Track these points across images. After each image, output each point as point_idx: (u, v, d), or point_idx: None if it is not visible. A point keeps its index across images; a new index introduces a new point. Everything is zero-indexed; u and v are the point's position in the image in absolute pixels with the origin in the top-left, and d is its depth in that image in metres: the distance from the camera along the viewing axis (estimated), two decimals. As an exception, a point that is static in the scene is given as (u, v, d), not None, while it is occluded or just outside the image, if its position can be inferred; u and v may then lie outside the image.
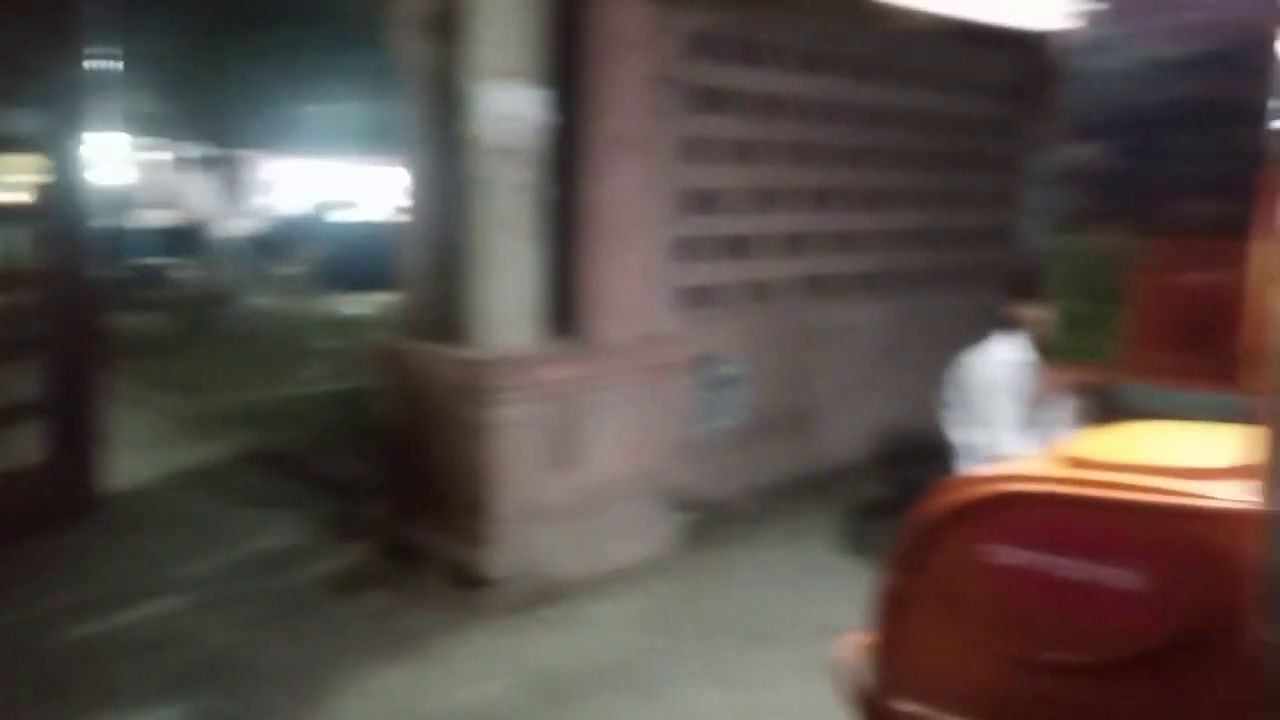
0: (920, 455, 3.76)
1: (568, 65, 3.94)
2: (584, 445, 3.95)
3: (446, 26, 3.79)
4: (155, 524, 4.50)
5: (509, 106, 3.70)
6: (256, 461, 5.58)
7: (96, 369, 4.68)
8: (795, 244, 5.19)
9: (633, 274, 4.20)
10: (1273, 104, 1.09)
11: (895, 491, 4.77)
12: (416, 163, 4.11)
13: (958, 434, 3.54)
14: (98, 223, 4.87)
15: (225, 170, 14.12)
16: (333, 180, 18.79)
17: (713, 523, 4.51)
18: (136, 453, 5.18)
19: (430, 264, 4.06)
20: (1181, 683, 1.41)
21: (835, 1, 4.67)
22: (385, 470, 4.38)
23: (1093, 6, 1.22)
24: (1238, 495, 1.33)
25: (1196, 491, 1.42)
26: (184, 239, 13.66)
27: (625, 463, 4.14)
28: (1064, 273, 1.40)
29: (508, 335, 3.79)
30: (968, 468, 3.02)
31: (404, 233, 4.27)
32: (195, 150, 15.19)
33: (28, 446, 4.35)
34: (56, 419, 4.48)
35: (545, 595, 3.74)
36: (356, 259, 13.80)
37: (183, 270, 11.66)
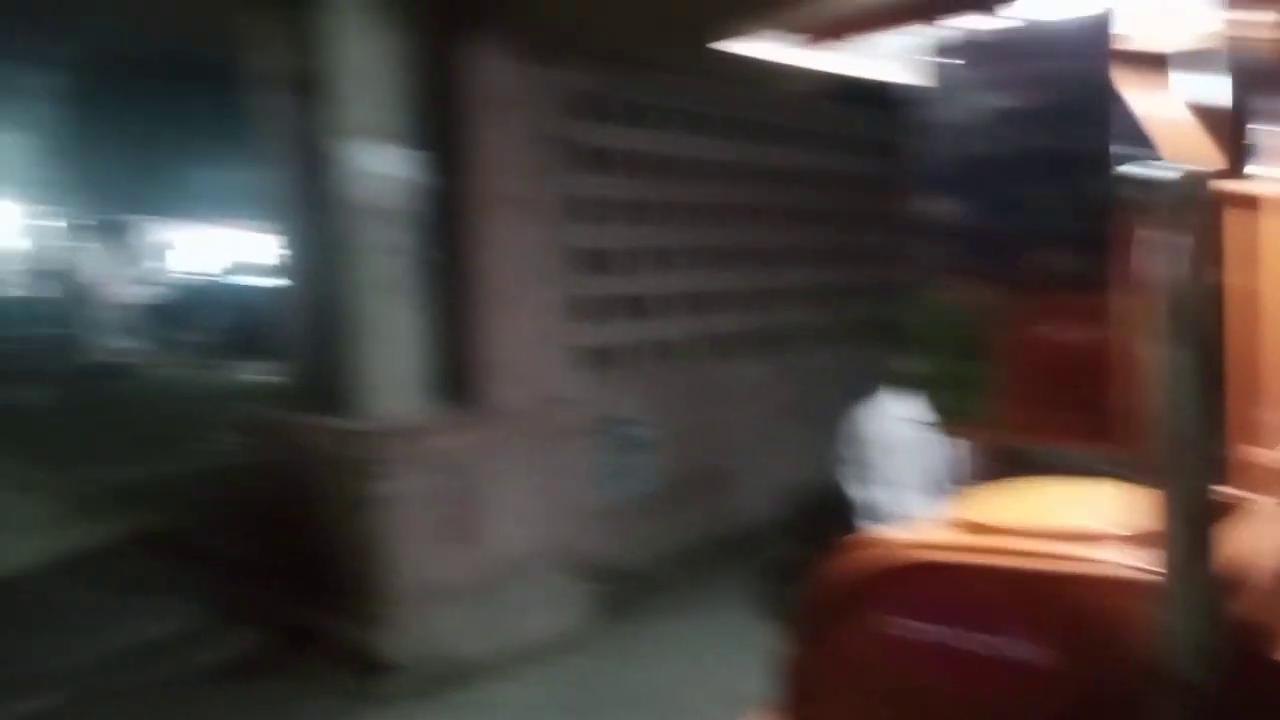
0: (826, 513, 3.71)
1: (444, 125, 3.87)
2: (483, 517, 3.80)
3: (312, 86, 3.68)
4: (29, 615, 4.19)
5: (378, 166, 3.61)
6: (143, 542, 5.27)
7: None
8: (693, 303, 5.18)
9: (525, 335, 4.10)
10: (1116, 152, 1.08)
11: (804, 552, 4.69)
12: (290, 226, 3.98)
13: (856, 491, 3.50)
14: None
15: (118, 236, 13.66)
16: (230, 245, 18.35)
17: (624, 592, 4.37)
18: (14, 536, 4.84)
19: (310, 331, 3.90)
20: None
21: (715, 64, 4.71)
22: (273, 551, 4.16)
23: (944, 60, 1.20)
24: (1132, 560, 1.28)
25: (1091, 557, 1.37)
26: (75, 307, 13.14)
27: (529, 534, 3.99)
28: (927, 329, 1.36)
29: (392, 403, 3.64)
30: (868, 526, 2.96)
31: (282, 298, 4.11)
32: (86, 216, 14.68)
33: None
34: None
35: (448, 678, 3.55)
36: (256, 326, 13.45)
37: (72, 340, 11.15)
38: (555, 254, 4.39)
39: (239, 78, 4.02)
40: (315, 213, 3.72)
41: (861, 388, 3.60)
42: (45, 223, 15.38)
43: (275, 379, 11.11)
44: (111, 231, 14.27)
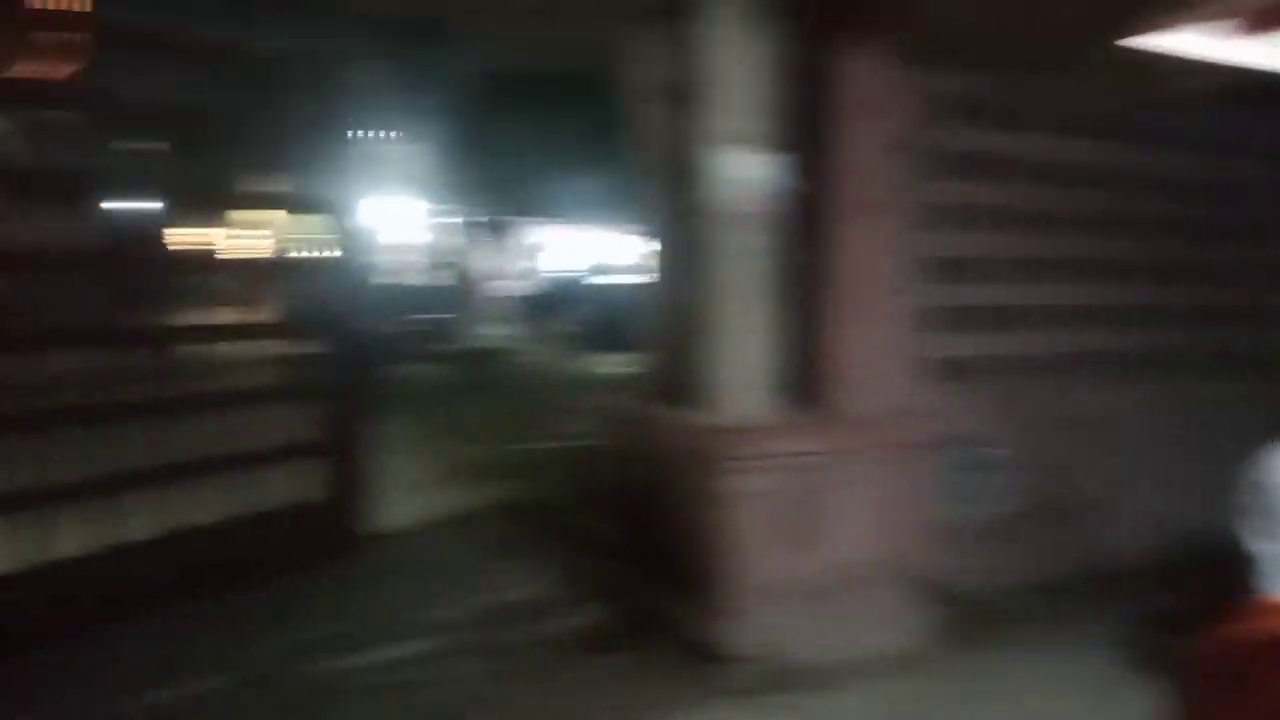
0: (1213, 563, 3.28)
1: (807, 129, 3.87)
2: (824, 523, 3.78)
3: (681, 94, 3.83)
4: (414, 566, 4.74)
5: (743, 172, 3.67)
6: (509, 511, 5.78)
7: (368, 416, 5.02)
8: (1060, 318, 4.79)
9: (877, 344, 4.02)
10: None
11: (1185, 603, 4.20)
12: (656, 229, 4.17)
13: (1259, 544, 3.06)
14: (386, 280, 5.28)
15: (500, 234, 15.06)
16: (598, 245, 19.66)
17: (966, 619, 4.15)
18: (403, 495, 5.48)
19: (669, 328, 4.07)
20: None
21: (1096, 63, 4.32)
22: (629, 531, 4.40)
23: None
24: None
25: None
26: (463, 297, 14.65)
27: (869, 544, 3.91)
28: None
29: (742, 402, 3.71)
30: (1271, 585, 2.59)
31: (646, 296, 4.32)
32: (477, 215, 16.37)
33: (302, 485, 4.72)
34: (331, 460, 4.84)
35: (783, 680, 3.56)
36: (616, 321, 14.33)
37: (458, 326, 12.49)
38: (913, 261, 4.25)
39: (612, 91, 4.31)
40: (681, 216, 3.88)
41: (1260, 426, 3.15)
42: (441, 221, 17.36)
43: (630, 370, 11.79)
44: (495, 230, 15.74)
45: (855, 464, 3.85)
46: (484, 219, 16.32)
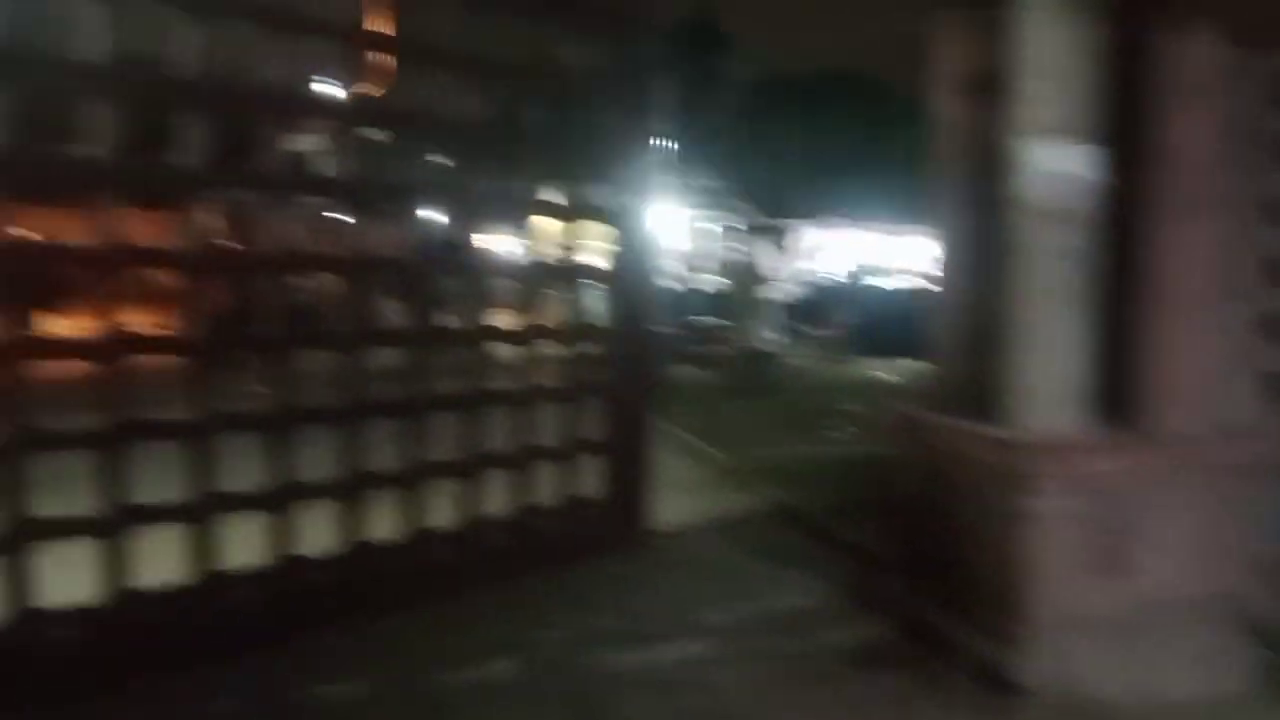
0: None
1: (1129, 118, 3.53)
2: (1136, 551, 3.44)
3: (989, 85, 3.60)
4: (687, 566, 4.78)
5: (1058, 166, 3.41)
6: (780, 516, 5.73)
7: (649, 416, 5.12)
8: None
9: (1205, 355, 3.61)
10: None
11: None
12: (950, 229, 3.95)
13: None
14: (658, 285, 5.36)
15: (771, 238, 15.02)
16: (868, 247, 19.22)
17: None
18: (675, 495, 5.56)
19: (962, 334, 3.85)
20: None
21: None
22: (902, 544, 4.24)
23: None
24: None
25: None
26: (730, 301, 14.76)
27: (1187, 577, 3.53)
28: None
29: (1047, 417, 3.44)
30: None
31: (936, 300, 4.11)
32: (743, 220, 16.45)
33: (587, 481, 4.89)
34: (612, 458, 4.99)
35: (1082, 717, 3.29)
36: (887, 325, 13.96)
37: (728, 330, 12.57)
38: (1250, 264, 3.80)
39: (885, 92, 4.18)
40: (982, 214, 3.66)
41: None
42: (717, 225, 17.58)
43: (903, 376, 11.44)
44: (770, 233, 15.74)
45: (1175, 488, 3.49)
46: (758, 222, 16.39)
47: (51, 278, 14.21)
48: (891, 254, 19.40)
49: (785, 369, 11.98)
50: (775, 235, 15.83)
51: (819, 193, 20.10)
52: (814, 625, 4.14)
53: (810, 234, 18.42)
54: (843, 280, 17.09)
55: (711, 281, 16.13)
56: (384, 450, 4.06)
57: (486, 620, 3.98)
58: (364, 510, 3.96)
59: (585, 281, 4.90)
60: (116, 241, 3.28)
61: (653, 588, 4.46)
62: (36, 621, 3.16)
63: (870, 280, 17.16)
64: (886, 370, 12.63)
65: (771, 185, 18.93)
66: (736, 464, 6.93)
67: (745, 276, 12.51)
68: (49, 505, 3.24)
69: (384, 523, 4.07)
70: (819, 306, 15.36)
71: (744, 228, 17.06)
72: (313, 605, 3.80)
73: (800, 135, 23.97)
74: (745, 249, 16.29)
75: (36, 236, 3.13)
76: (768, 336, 12.34)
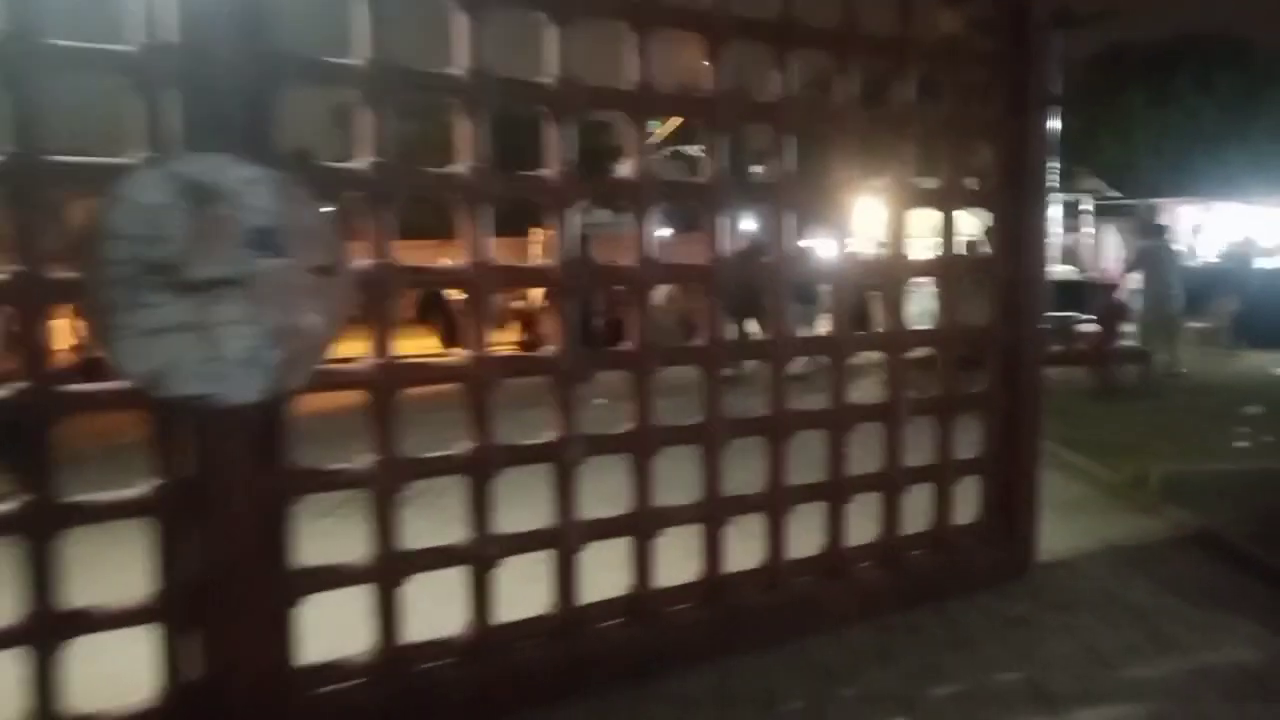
0: None
1: None
2: None
3: None
4: (1089, 605, 4.07)
5: None
6: (1194, 544, 4.82)
7: (1035, 430, 4.45)
8: None
9: None
10: None
11: None
12: None
13: None
14: (1048, 280, 4.66)
15: (1141, 219, 13.37)
16: (1254, 225, 16.67)
17: None
18: (1058, 518, 4.82)
19: None
20: None
21: None
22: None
23: None
24: None
25: None
26: (1088, 292, 13.34)
27: None
28: None
29: None
30: None
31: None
32: (1110, 200, 14.79)
33: (963, 504, 4.31)
34: (993, 478, 4.37)
35: None
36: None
37: (1088, 325, 11.28)
38: None
39: (1250, 53, 3.25)
40: None
41: None
42: (1074, 209, 15.98)
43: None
44: (1133, 215, 14.07)
45: None
46: (1119, 203, 14.68)
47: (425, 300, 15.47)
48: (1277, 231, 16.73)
49: (1161, 367, 10.53)
50: (1145, 216, 14.04)
51: (1179, 169, 17.83)
52: (1274, 689, 3.32)
53: (1186, 212, 16.22)
54: (1231, 261, 14.87)
55: (1064, 271, 14.62)
56: (739, 471, 3.73)
57: (863, 666, 3.53)
58: (722, 537, 3.66)
59: (955, 279, 4.31)
60: (488, 260, 3.17)
61: (1053, 632, 3.80)
62: (409, 655, 3.12)
63: (1256, 261, 14.83)
64: (1282, 364, 10.82)
65: (1127, 160, 16.99)
66: (1126, 480, 5.99)
67: (1113, 263, 11.16)
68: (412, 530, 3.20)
69: (740, 551, 3.74)
70: (1195, 293, 13.48)
71: (1109, 210, 15.31)
72: (669, 641, 3.54)
73: (1154, 106, 21.58)
74: (1111, 233, 14.64)
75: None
76: (1144, 329, 10.94)
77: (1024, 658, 3.58)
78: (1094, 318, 11.53)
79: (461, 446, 3.16)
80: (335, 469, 3.06)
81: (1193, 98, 21.96)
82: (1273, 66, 23.21)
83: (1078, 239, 16.43)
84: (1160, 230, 12.04)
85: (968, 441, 4.32)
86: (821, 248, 13.84)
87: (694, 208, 3.75)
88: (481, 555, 3.19)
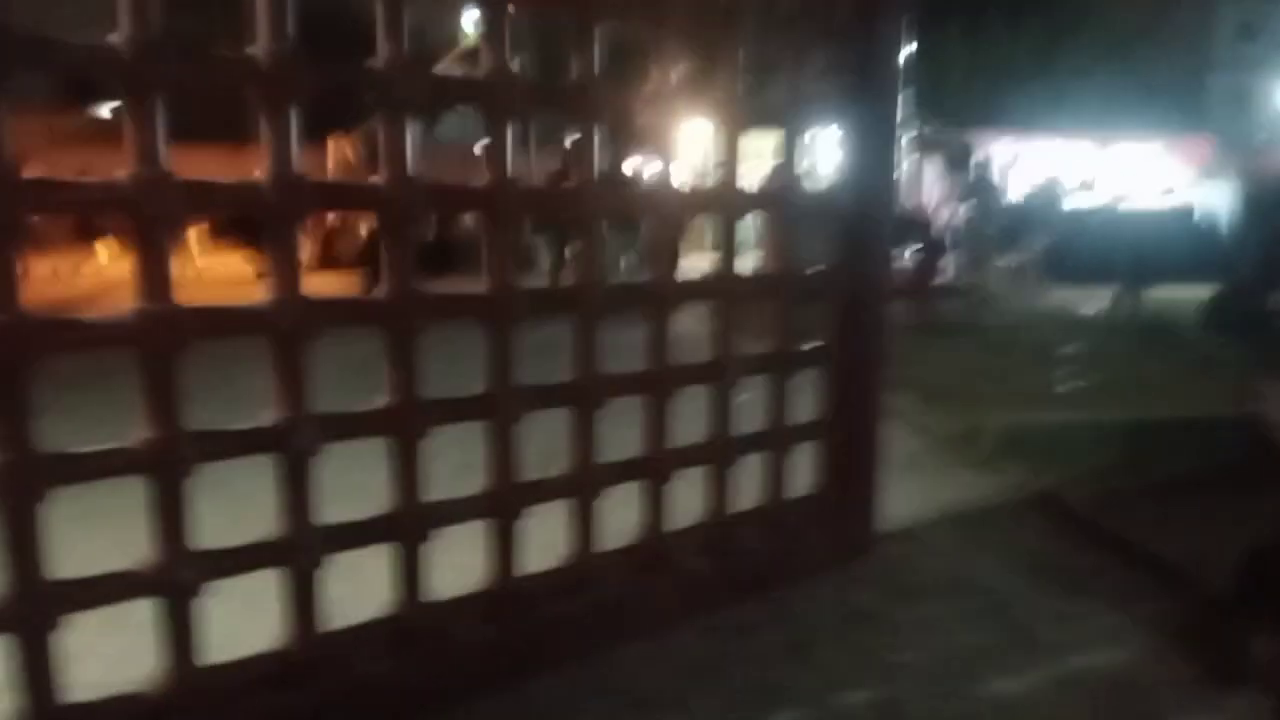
0: None
1: None
2: None
3: None
4: (938, 592, 3.56)
5: None
6: (1037, 511, 4.43)
7: (877, 386, 3.90)
8: None
9: None
10: None
11: None
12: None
13: None
14: (893, 216, 4.05)
15: (958, 151, 13.26)
16: (1070, 161, 17.05)
17: None
18: (892, 479, 4.26)
19: None
20: None
21: None
22: (1257, 570, 2.97)
23: None
24: None
25: None
26: (906, 227, 13.20)
27: None
28: None
29: None
30: None
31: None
32: (924, 131, 14.65)
33: (792, 476, 3.71)
34: (831, 442, 3.80)
35: None
36: (1094, 250, 12.30)
37: (907, 262, 11.07)
38: None
39: None
40: None
41: None
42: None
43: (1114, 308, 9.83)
44: (949, 147, 13.96)
45: None
46: (934, 135, 14.58)
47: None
48: (1103, 168, 17.20)
49: (988, 305, 10.45)
50: (961, 149, 13.98)
51: (1008, 96, 18.02)
52: (1154, 700, 2.87)
53: (1002, 145, 16.38)
54: (1035, 199, 15.10)
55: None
56: (535, 444, 2.97)
57: (686, 686, 2.88)
58: (514, 533, 2.91)
59: (790, 213, 3.64)
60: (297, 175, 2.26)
61: (900, 630, 3.27)
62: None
63: (1072, 199, 15.16)
64: (1090, 302, 10.96)
65: (954, 90, 16.99)
66: (959, 430, 5.61)
67: (930, 198, 10.97)
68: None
69: (537, 544, 3.01)
70: (1008, 231, 13.59)
71: (923, 141, 15.21)
72: (446, 669, 2.79)
73: (982, 30, 21.73)
74: (927, 166, 14.54)
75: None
76: (962, 267, 10.84)
77: (871, 668, 3.01)
78: (915, 250, 11.34)
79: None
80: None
81: (1004, 34, 22.39)
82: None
83: (913, 172, 16.39)
84: (981, 165, 11.95)
85: (803, 399, 3.72)
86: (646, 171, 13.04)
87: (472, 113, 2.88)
88: (177, 580, 2.32)
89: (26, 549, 2.09)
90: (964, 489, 4.71)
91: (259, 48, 2.27)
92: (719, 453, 3.41)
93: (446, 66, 13.11)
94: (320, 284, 3.64)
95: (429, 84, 2.68)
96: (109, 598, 2.26)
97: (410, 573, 2.70)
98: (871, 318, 3.77)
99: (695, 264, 4.20)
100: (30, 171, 2.03)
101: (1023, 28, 23.24)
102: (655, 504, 3.25)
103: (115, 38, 2.09)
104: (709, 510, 3.42)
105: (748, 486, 3.56)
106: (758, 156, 3.69)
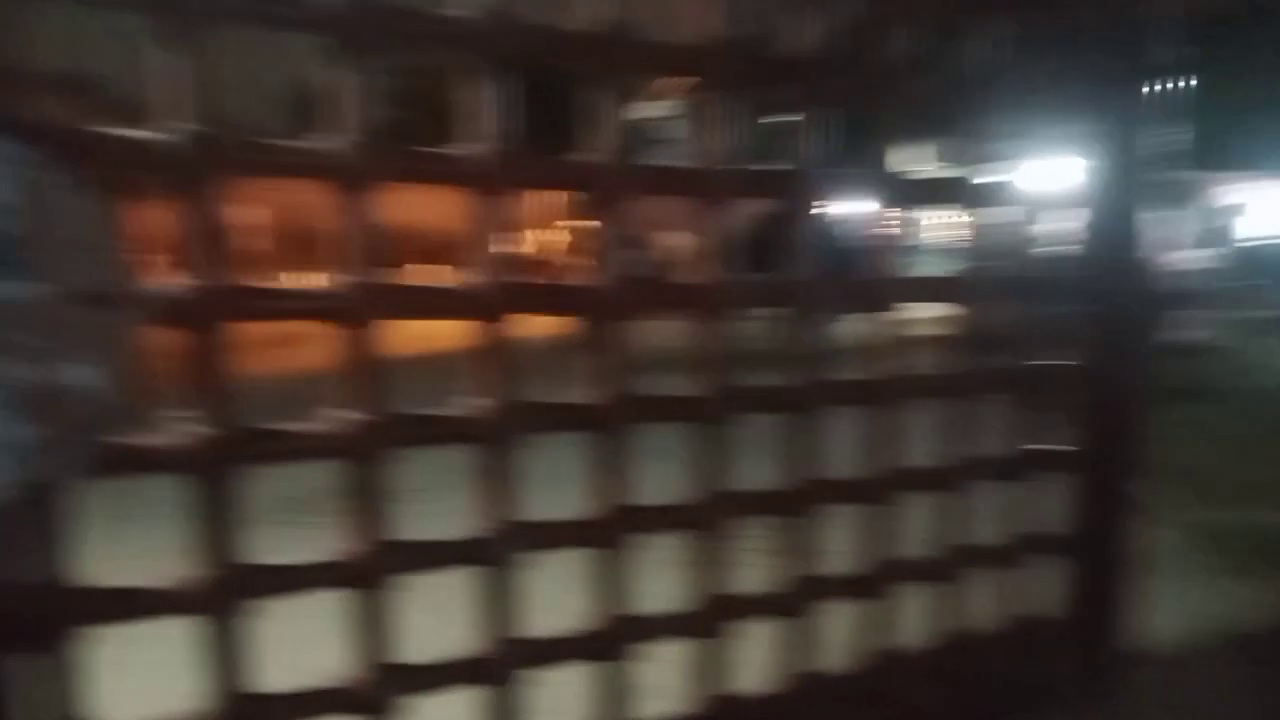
0: None
1: None
2: None
3: None
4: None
5: None
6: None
7: (1132, 489, 3.39)
8: None
9: None
10: None
11: None
12: None
13: None
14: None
15: (1182, 196, 12.19)
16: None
17: None
18: (1143, 586, 3.71)
19: None
20: None
21: None
22: None
23: None
24: None
25: None
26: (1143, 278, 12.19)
27: None
28: None
29: None
30: None
31: None
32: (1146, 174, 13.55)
33: (1032, 591, 3.25)
34: (1079, 557, 3.32)
35: None
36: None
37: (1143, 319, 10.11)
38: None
39: None
40: None
41: None
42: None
43: None
44: (1172, 192, 12.85)
45: None
46: (1154, 179, 13.43)
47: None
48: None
49: (1222, 365, 9.40)
50: (1186, 193, 12.84)
51: (1242, 140, 16.57)
52: None
53: (1236, 189, 14.96)
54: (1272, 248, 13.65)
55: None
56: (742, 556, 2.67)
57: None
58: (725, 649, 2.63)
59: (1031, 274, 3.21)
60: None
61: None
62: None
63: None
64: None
65: (1172, 134, 15.75)
66: (1223, 526, 4.89)
67: (1157, 246, 10.01)
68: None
69: (748, 662, 2.70)
70: (1248, 279, 12.33)
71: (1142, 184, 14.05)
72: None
73: (1194, 74, 20.16)
74: (1149, 212, 13.41)
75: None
76: (1196, 324, 9.82)
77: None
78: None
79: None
80: (137, 589, 2.02)
81: (1241, 65, 20.66)
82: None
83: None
84: (1218, 210, 10.89)
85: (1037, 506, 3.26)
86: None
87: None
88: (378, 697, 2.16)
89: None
90: (1229, 600, 4.06)
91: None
92: (950, 566, 3.01)
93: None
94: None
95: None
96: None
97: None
98: (1129, 416, 3.27)
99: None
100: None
101: (1253, 61, 21.43)
102: (875, 625, 2.89)
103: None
104: (936, 633, 3.02)
105: (978, 605, 3.13)
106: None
